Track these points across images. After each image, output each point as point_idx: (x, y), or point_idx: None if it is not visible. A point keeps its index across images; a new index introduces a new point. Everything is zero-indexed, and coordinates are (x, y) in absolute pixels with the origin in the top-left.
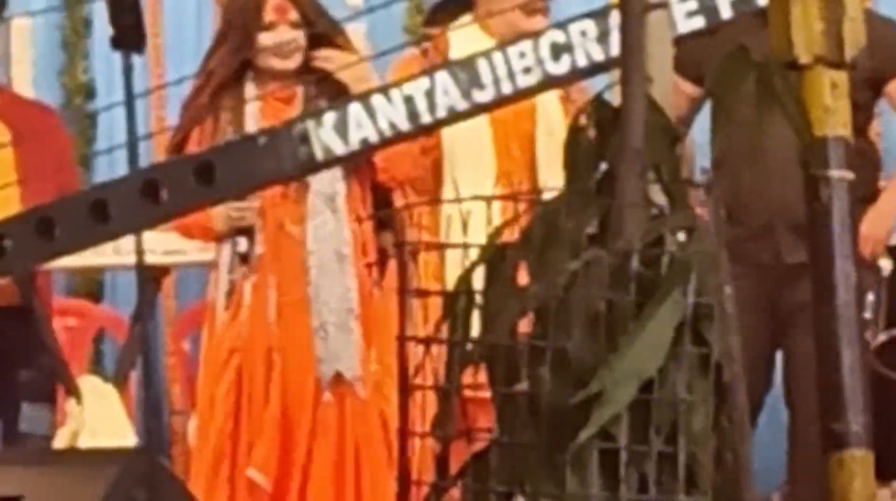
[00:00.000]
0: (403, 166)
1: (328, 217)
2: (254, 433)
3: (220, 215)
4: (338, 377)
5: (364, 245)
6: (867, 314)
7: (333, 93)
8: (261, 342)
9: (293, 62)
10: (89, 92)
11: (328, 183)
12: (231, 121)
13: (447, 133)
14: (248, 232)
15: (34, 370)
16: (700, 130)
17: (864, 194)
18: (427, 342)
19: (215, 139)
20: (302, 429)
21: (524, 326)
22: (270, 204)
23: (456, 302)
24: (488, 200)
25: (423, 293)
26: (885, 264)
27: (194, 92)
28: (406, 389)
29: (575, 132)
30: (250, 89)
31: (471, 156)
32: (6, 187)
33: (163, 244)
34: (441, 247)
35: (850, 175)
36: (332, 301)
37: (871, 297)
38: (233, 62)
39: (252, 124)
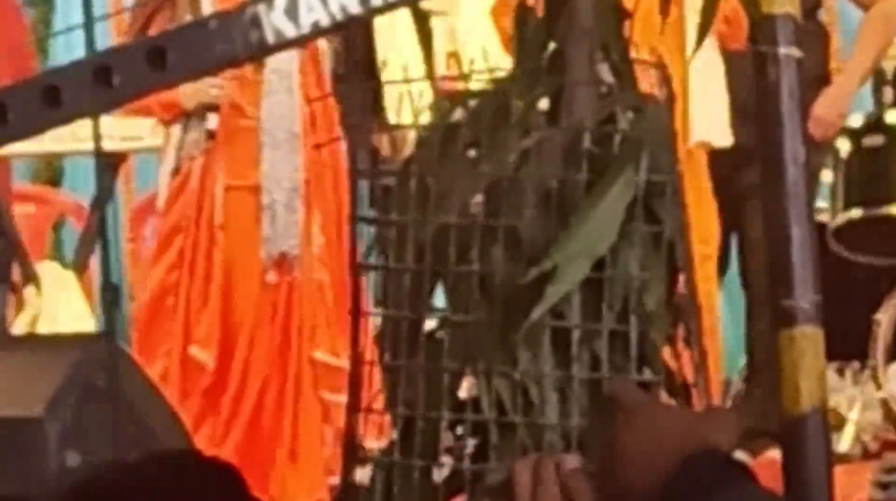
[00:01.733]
0: None
1: (283, 96)
2: (196, 310)
3: (191, 91)
4: (282, 257)
5: (314, 123)
6: (823, 203)
7: None
8: (205, 220)
9: None
10: None
11: (286, 61)
12: (188, 7)
13: None
14: (216, 109)
15: None
16: None
17: (814, 75)
18: (378, 222)
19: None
20: (246, 309)
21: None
22: (228, 86)
23: (407, 182)
24: (434, 80)
25: (375, 174)
26: (843, 145)
27: None
28: (357, 269)
29: (523, 12)
30: None
31: None
32: None
33: (120, 130)
34: (392, 129)
35: (798, 53)
36: (283, 180)
37: (829, 178)
38: None
39: (208, 9)
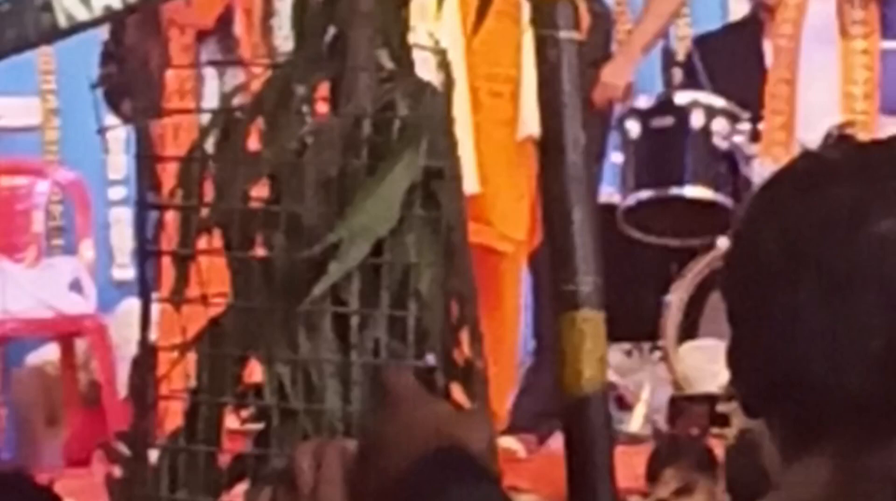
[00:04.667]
0: None
1: None
2: None
3: None
4: None
5: None
6: (611, 186)
7: None
8: None
9: None
10: None
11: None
12: None
13: None
14: None
15: None
16: None
17: (596, 57)
18: (163, 208)
19: None
20: None
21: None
22: None
23: (189, 168)
24: (219, 64)
25: (161, 159)
26: (633, 127)
27: None
28: (144, 255)
29: None
30: None
31: None
32: None
33: None
34: (177, 112)
35: (578, 36)
36: None
37: (620, 159)
38: None
39: None
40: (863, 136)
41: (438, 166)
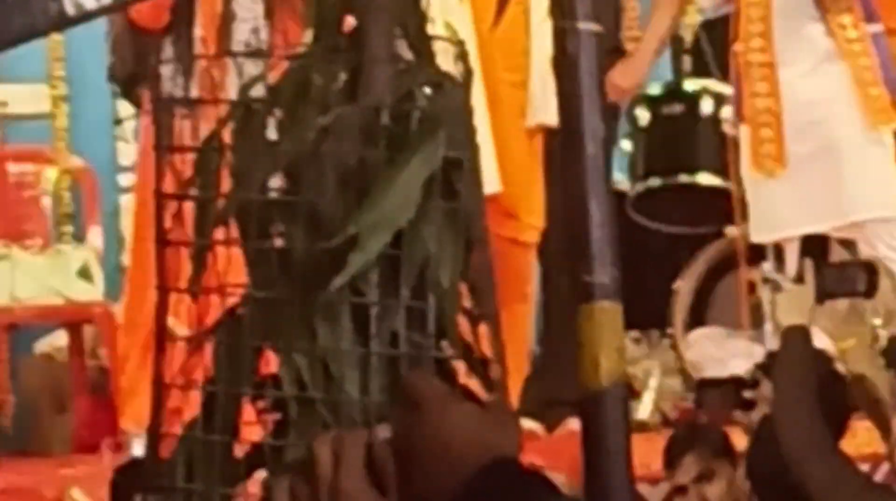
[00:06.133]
0: None
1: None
2: None
3: None
4: None
5: None
6: (621, 173)
7: None
8: None
9: None
10: None
11: (248, 9)
12: None
13: None
14: None
15: None
16: None
17: (608, 47)
18: (180, 198)
19: None
20: None
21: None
22: None
23: (207, 158)
24: (236, 55)
25: (179, 149)
26: (643, 115)
27: None
28: (163, 244)
29: None
30: None
31: None
32: None
33: None
34: (192, 103)
35: (597, 27)
36: None
37: (629, 146)
38: None
39: None
40: (883, 118)
41: (457, 157)
